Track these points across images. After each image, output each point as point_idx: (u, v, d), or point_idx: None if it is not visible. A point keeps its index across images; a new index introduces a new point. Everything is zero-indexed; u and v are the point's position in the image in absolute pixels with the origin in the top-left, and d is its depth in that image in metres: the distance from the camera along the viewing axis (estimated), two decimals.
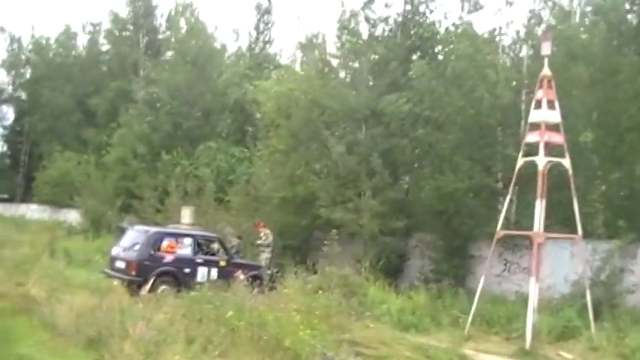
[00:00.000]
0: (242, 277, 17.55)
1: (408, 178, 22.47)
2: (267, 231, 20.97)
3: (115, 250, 17.29)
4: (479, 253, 22.01)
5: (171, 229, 18.47)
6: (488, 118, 20.25)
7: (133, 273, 16.26)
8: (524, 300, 19.92)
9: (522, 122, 20.85)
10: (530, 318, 14.24)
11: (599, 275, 18.16)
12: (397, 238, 22.16)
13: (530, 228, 19.03)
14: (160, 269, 16.46)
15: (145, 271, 16.28)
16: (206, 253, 17.69)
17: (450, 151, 20.95)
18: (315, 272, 18.50)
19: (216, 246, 18.28)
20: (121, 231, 18.62)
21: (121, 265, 16.73)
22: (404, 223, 21.06)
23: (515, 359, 13.26)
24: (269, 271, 18.63)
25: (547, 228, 17.50)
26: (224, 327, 10.14)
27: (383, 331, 11.93)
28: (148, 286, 16.22)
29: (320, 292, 13.81)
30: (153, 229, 17.16)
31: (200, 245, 17.60)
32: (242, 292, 13.34)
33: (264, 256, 20.19)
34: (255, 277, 17.83)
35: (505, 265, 21.43)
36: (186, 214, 25.55)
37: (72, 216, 37.76)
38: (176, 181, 28.15)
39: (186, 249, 17.07)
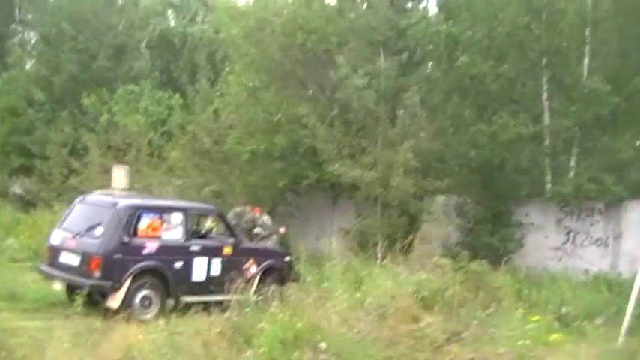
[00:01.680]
0: (254, 269, 11.72)
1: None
2: (266, 217, 15.01)
3: (58, 237, 10.83)
4: (527, 220, 17.04)
5: (152, 200, 12.17)
6: (561, 39, 15.06)
7: (97, 274, 9.97)
8: (606, 282, 15.25)
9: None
10: None
11: None
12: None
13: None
14: (140, 265, 10.26)
15: (116, 270, 10.06)
16: (202, 237, 11.63)
17: (502, 86, 15.65)
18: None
19: (210, 224, 12.25)
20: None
21: (71, 260, 10.37)
22: (445, 183, 15.65)
23: None
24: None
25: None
26: None
27: None
28: (120, 295, 10.03)
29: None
30: (124, 201, 10.72)
31: (192, 225, 11.50)
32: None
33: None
34: (274, 270, 11.99)
35: (567, 235, 16.57)
36: (120, 176, 19.14)
37: None
38: (100, 133, 21.44)
39: (175, 231, 10.86)
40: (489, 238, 16.32)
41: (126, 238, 10.17)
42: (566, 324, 11.74)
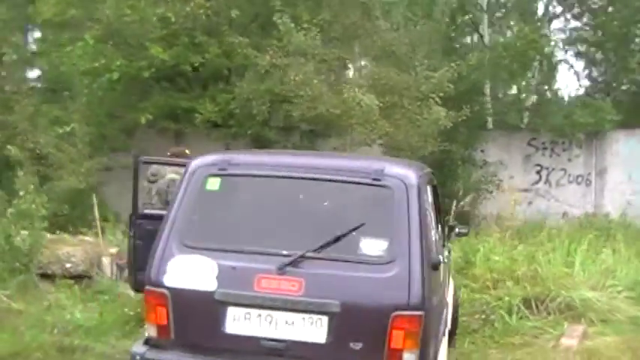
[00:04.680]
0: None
1: None
2: None
3: (206, 269, 3.96)
4: (485, 157, 13.99)
5: (422, 168, 5.42)
6: None
7: (410, 356, 3.83)
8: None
9: None
10: None
11: None
12: None
13: None
14: (448, 315, 4.39)
15: (434, 339, 4.07)
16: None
17: None
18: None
19: None
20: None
21: (286, 329, 3.87)
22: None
23: None
24: None
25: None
26: None
27: None
28: None
29: None
30: (401, 169, 4.30)
31: None
32: None
33: None
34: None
35: (539, 173, 13.89)
36: None
37: None
38: None
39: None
40: (453, 183, 12.82)
41: (439, 256, 4.17)
42: None
